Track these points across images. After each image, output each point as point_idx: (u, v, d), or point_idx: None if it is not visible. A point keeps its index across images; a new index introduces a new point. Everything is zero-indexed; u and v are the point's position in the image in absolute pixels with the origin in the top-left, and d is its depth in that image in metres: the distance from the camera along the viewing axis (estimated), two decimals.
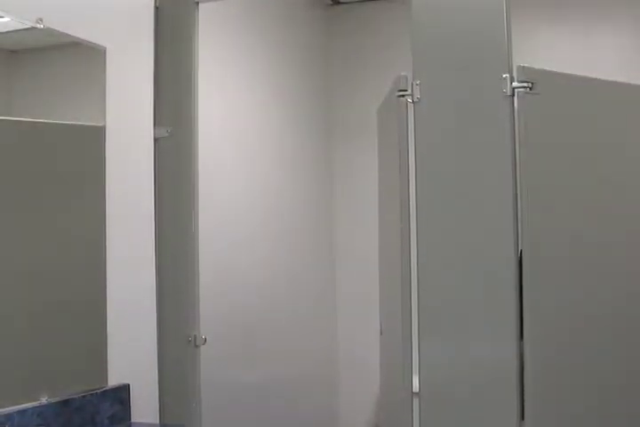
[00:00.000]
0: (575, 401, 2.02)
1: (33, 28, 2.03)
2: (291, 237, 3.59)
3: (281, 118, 3.59)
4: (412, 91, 2.07)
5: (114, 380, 2.25)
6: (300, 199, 3.73)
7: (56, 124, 2.13)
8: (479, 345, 1.98)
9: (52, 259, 2.09)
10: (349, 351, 3.96)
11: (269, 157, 3.47)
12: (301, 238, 3.71)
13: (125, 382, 2.28)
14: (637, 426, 2.13)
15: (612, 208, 2.15)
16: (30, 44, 2.12)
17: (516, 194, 1.96)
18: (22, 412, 1.91)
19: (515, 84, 1.96)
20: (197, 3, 2.58)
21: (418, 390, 2.01)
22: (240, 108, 3.24)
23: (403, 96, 2.08)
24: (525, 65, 1.97)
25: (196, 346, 2.51)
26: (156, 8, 2.57)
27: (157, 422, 2.45)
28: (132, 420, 2.30)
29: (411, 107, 2.08)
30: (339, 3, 4.07)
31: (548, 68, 2.02)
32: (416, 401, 2.03)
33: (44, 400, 1.99)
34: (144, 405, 2.37)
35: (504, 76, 1.97)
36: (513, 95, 1.97)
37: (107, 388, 2.22)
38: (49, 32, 2.08)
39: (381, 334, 2.60)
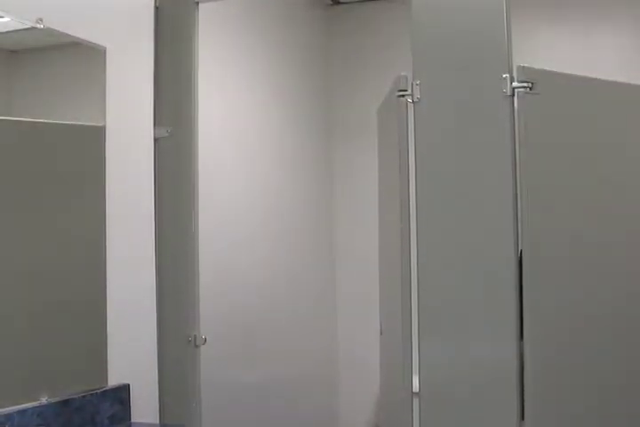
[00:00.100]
0: (575, 401, 2.02)
1: (33, 28, 2.03)
2: (291, 237, 3.59)
3: (281, 118, 3.59)
4: (412, 91, 2.07)
5: (114, 380, 2.25)
6: (300, 199, 3.73)
7: (56, 124, 2.13)
8: (479, 345, 1.98)
9: (51, 259, 2.09)
10: (349, 351, 3.96)
11: (269, 157, 3.47)
12: (301, 238, 3.71)
13: (125, 382, 2.28)
14: (637, 426, 2.13)
15: (612, 208, 2.15)
16: (30, 44, 2.12)
17: (516, 194, 1.96)
18: (22, 412, 1.91)
19: (515, 84, 1.96)
20: (197, 3, 2.58)
21: (418, 390, 2.01)
22: (240, 108, 3.24)
23: (403, 96, 2.08)
24: (525, 65, 1.97)
25: (196, 346, 2.51)
26: (156, 8, 2.57)
27: (157, 422, 2.45)
28: (132, 420, 2.30)
29: (411, 107, 2.08)
30: (339, 3, 4.07)
31: (547, 68, 2.02)
32: (416, 401, 2.03)
33: (44, 400, 1.99)
34: (144, 405, 2.37)
35: (504, 76, 1.97)
36: (513, 95, 1.97)
37: (107, 388, 2.22)
38: (49, 32, 2.08)
39: (381, 334, 2.60)
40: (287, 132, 3.64)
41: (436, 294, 2.03)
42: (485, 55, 2.01)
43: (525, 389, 1.92)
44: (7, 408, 1.87)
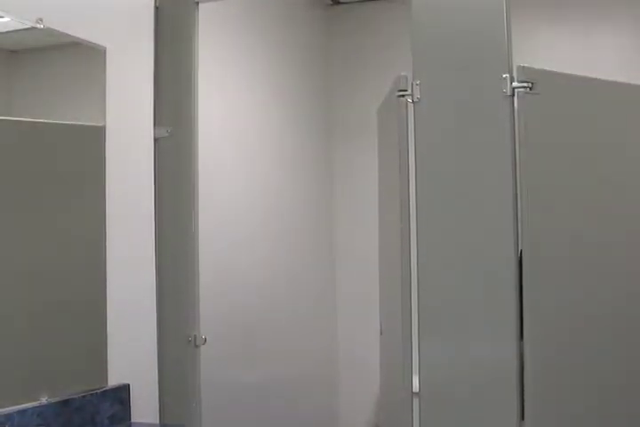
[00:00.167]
0: (575, 401, 2.02)
1: (33, 28, 2.03)
2: (291, 237, 3.59)
3: (281, 118, 3.59)
4: (412, 91, 2.07)
5: (114, 380, 2.25)
6: (300, 199, 3.73)
7: (56, 124, 2.13)
8: (479, 345, 1.98)
9: (51, 259, 2.09)
10: (349, 351, 3.96)
11: (269, 157, 3.47)
12: (301, 238, 3.71)
13: (125, 382, 2.28)
14: (637, 426, 2.13)
15: (612, 208, 2.15)
16: (30, 44, 2.12)
17: (516, 194, 1.96)
18: (22, 412, 1.91)
19: (515, 84, 1.96)
20: (197, 3, 2.58)
21: (418, 390, 2.01)
22: (240, 108, 3.24)
23: (403, 96, 2.08)
24: (525, 65, 1.97)
25: (196, 346, 2.51)
26: (156, 8, 2.57)
27: (157, 422, 2.45)
28: (132, 420, 2.30)
29: (411, 107, 2.08)
30: (339, 3, 4.07)
31: (547, 68, 2.02)
32: (416, 401, 2.03)
33: (44, 400, 1.99)
34: (144, 405, 2.37)
35: (504, 76, 1.97)
36: (513, 95, 1.97)
37: (107, 388, 2.22)
38: (49, 32, 2.08)
39: (381, 334, 2.60)
40: (287, 132, 3.64)
41: (436, 294, 2.03)
42: (485, 55, 2.01)
43: (525, 389, 1.92)
44: (7, 408, 1.87)
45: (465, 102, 2.03)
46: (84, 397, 2.12)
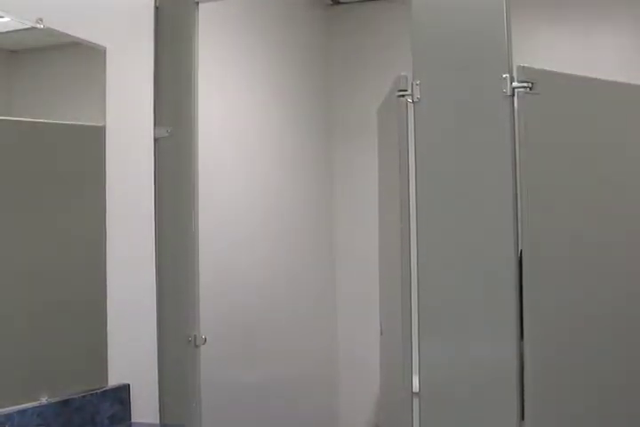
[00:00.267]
0: (575, 401, 2.02)
1: (33, 28, 2.03)
2: (291, 237, 3.59)
3: (281, 118, 3.59)
4: (412, 91, 2.07)
5: (114, 380, 2.25)
6: (300, 199, 3.73)
7: (56, 124, 2.13)
8: (479, 345, 1.98)
9: (51, 259, 2.09)
10: (349, 351, 3.96)
11: (269, 157, 3.47)
12: (301, 238, 3.71)
13: (125, 382, 2.28)
14: (637, 426, 2.13)
15: (612, 208, 2.15)
16: (30, 44, 2.12)
17: (516, 194, 1.96)
18: (22, 412, 1.91)
19: (515, 84, 1.96)
20: (197, 3, 2.58)
21: (418, 390, 2.01)
22: (240, 108, 3.24)
23: (403, 96, 2.08)
24: (525, 65, 1.97)
25: (196, 346, 2.51)
26: (156, 8, 2.57)
27: (157, 422, 2.45)
28: (132, 420, 2.30)
29: (411, 107, 2.08)
30: (339, 3, 4.07)
31: (548, 68, 2.02)
32: (416, 401, 2.03)
33: (43, 400, 1.99)
34: (144, 405, 2.38)
35: (504, 76, 1.97)
36: (513, 95, 1.97)
37: (107, 388, 2.22)
38: (49, 32, 2.08)
39: (381, 334, 2.60)
40: (287, 132, 3.64)
41: (436, 294, 2.03)
42: (485, 55, 2.01)
43: (525, 389, 1.92)
44: (7, 408, 1.87)
45: (465, 102, 2.03)
46: (84, 397, 2.12)
